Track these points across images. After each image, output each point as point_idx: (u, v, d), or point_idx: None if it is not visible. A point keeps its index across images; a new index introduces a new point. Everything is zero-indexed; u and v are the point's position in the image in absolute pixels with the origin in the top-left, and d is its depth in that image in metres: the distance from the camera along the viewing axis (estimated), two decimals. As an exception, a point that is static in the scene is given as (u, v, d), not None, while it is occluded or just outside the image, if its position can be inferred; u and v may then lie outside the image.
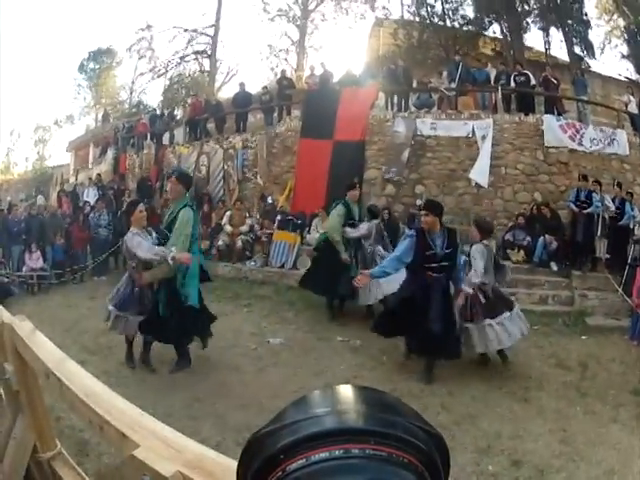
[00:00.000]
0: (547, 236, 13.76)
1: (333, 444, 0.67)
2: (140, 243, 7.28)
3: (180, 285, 7.76)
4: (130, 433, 1.82)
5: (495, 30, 30.99)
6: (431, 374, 8.02)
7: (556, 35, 29.99)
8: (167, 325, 7.62)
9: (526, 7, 29.76)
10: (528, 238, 14.17)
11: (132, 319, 7.81)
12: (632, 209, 13.92)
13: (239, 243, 15.51)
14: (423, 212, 8.22)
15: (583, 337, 10.76)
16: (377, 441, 0.68)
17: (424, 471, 0.69)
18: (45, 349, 2.75)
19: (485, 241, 8.67)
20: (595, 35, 30.76)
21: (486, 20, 30.79)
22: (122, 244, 8.05)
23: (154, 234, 7.87)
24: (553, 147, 16.07)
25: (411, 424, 0.73)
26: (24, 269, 14.93)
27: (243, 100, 22.12)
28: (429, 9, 31.94)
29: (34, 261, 14.99)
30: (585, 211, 13.72)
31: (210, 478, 1.53)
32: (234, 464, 1.61)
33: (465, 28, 31.39)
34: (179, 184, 7.97)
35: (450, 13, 31.64)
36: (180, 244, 7.52)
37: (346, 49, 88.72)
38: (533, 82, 17.87)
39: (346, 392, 0.80)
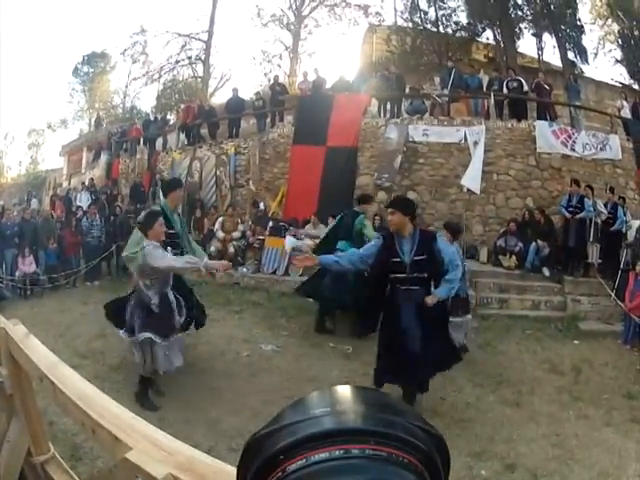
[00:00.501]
0: (539, 242, 13.79)
1: (333, 444, 0.67)
2: (165, 255, 6.89)
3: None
4: (123, 436, 1.83)
5: (488, 36, 31.04)
6: (414, 401, 6.83)
7: (549, 41, 30.05)
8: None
9: (519, 13, 29.80)
10: (520, 244, 14.18)
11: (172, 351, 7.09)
12: (624, 214, 13.96)
13: (231, 249, 15.46)
14: (389, 210, 6.74)
15: (576, 342, 10.80)
16: (377, 441, 0.68)
17: (424, 471, 0.70)
18: (39, 353, 2.76)
19: (455, 242, 8.87)
20: (589, 40, 30.99)
21: (479, 26, 30.79)
22: (142, 256, 6.90)
23: (169, 248, 7.51)
24: (545, 153, 16.15)
25: (411, 424, 0.73)
26: (17, 273, 14.83)
27: (236, 106, 22.10)
28: (422, 15, 32.01)
29: (27, 265, 14.90)
30: (577, 216, 13.71)
31: (201, 481, 1.52)
32: (225, 467, 1.62)
33: (458, 34, 31.40)
34: None
35: (443, 19, 31.68)
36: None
37: (339, 55, 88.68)
38: (526, 88, 17.89)
39: (345, 392, 0.80)
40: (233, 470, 1.58)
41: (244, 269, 14.85)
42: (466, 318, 9.40)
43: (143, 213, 7.48)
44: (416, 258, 6.49)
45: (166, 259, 6.78)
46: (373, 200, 10.89)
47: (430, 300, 6.54)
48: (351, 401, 0.77)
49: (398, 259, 6.53)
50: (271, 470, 0.69)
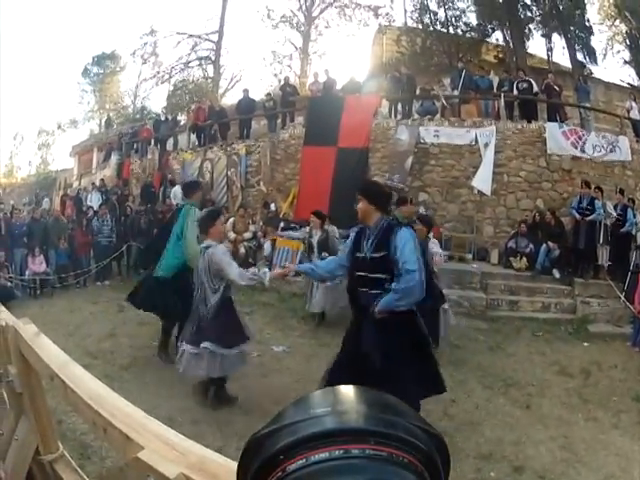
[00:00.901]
0: (549, 243, 13.77)
1: (333, 444, 0.67)
2: (231, 264, 6.63)
3: None
4: (134, 435, 1.84)
5: (498, 37, 30.98)
6: None
7: (558, 42, 29.94)
8: None
9: (528, 14, 29.70)
10: (531, 245, 14.16)
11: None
12: (634, 216, 13.90)
13: (242, 250, 15.48)
14: (358, 196, 5.65)
15: (585, 344, 10.79)
16: (377, 441, 0.68)
17: (424, 471, 0.69)
18: (49, 352, 2.76)
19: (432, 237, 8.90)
20: (597, 41, 30.77)
21: (489, 27, 30.75)
22: (206, 257, 6.74)
23: None
24: (556, 154, 16.09)
25: (411, 424, 0.73)
26: (27, 273, 14.88)
27: (247, 106, 22.14)
28: (432, 16, 31.89)
29: (37, 265, 14.94)
30: (587, 218, 13.68)
31: (213, 481, 1.54)
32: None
33: (468, 35, 31.36)
34: None
35: (453, 20, 31.58)
36: None
37: (349, 56, 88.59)
38: (536, 89, 17.83)
39: (346, 392, 0.81)
40: None
41: (255, 270, 14.87)
42: (443, 307, 9.18)
43: (204, 211, 7.49)
44: (374, 255, 5.46)
45: (231, 268, 6.57)
46: (410, 202, 10.40)
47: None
48: (351, 401, 0.78)
49: (361, 254, 5.56)
50: (271, 470, 0.69)
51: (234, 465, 1.58)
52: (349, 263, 5.69)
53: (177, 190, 19.31)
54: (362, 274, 5.47)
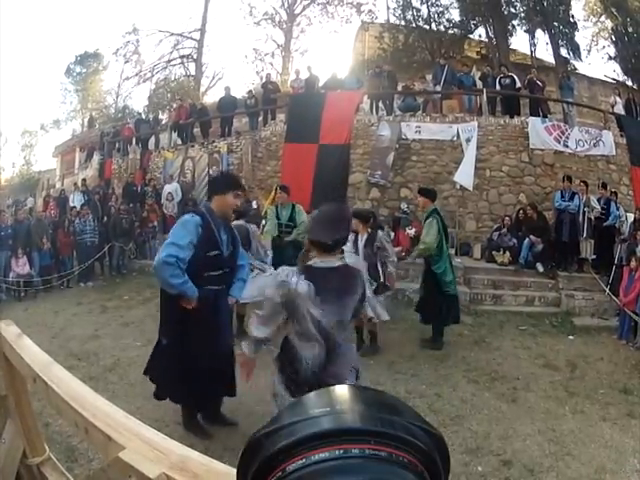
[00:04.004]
0: (532, 237, 13.80)
1: (332, 444, 0.66)
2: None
3: None
4: (115, 435, 1.83)
5: (481, 33, 31.29)
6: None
7: (542, 37, 30.22)
8: None
9: (512, 10, 29.88)
10: (514, 240, 14.21)
11: None
12: (617, 209, 14.04)
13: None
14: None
15: (570, 337, 10.81)
16: (377, 441, 0.67)
17: (424, 471, 0.69)
18: (31, 353, 2.74)
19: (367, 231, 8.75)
20: (582, 37, 31.03)
21: (472, 23, 30.96)
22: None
23: None
24: (538, 149, 16.22)
25: (411, 424, 0.72)
26: (11, 275, 14.79)
27: (228, 104, 22.09)
28: (415, 13, 32.07)
29: (21, 267, 14.85)
30: (568, 209, 13.80)
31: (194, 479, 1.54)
32: (218, 465, 1.59)
33: (451, 31, 31.57)
34: None
35: (436, 17, 31.77)
36: None
37: (332, 53, 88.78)
38: (518, 84, 17.94)
39: (344, 392, 0.80)
40: (226, 469, 1.57)
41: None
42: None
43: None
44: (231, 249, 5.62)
45: None
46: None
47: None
48: (351, 401, 0.76)
49: (217, 252, 5.45)
50: (271, 470, 0.68)
51: (215, 464, 1.55)
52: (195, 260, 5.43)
53: (167, 188, 19.31)
54: (215, 273, 5.53)
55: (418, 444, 0.70)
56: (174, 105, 27.84)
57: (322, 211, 4.04)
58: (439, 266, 9.28)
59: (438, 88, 18.61)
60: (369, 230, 8.84)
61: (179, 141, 22.84)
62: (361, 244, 8.76)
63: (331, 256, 4.01)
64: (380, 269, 8.87)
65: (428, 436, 0.73)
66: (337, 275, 3.99)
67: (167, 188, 19.53)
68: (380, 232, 9.06)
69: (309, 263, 4.05)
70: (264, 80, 24.30)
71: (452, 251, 14.60)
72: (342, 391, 0.80)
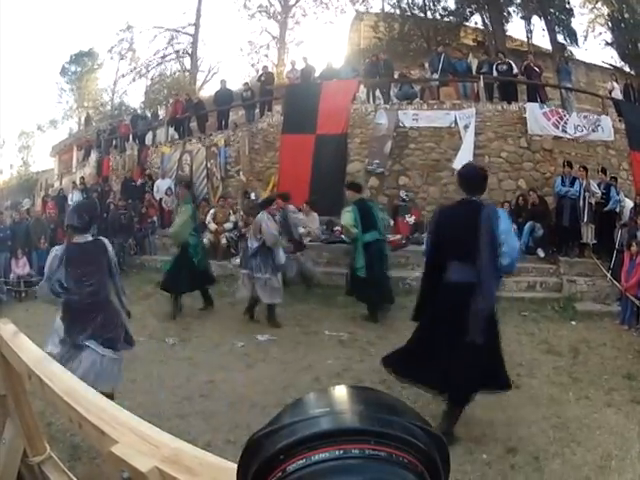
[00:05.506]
0: (533, 223, 13.74)
1: (333, 444, 0.66)
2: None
3: None
4: (108, 429, 1.82)
5: (477, 20, 31.26)
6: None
7: (538, 24, 30.19)
8: None
9: (508, -4, 29.84)
10: (514, 225, 14.14)
11: None
12: (617, 194, 14.03)
13: (223, 240, 15.43)
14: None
15: (573, 323, 10.80)
16: (377, 441, 0.67)
17: (424, 471, 0.69)
18: (27, 350, 2.74)
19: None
20: (578, 23, 30.92)
21: (467, 11, 30.93)
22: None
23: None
24: (537, 135, 16.18)
25: (410, 424, 0.73)
26: (11, 276, 14.84)
27: (224, 97, 22.15)
28: (410, 1, 32.00)
29: (21, 267, 14.90)
30: (568, 194, 13.77)
31: (187, 473, 1.50)
32: (212, 458, 1.54)
33: (446, 19, 31.56)
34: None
35: (431, 4, 31.71)
36: None
37: (327, 44, 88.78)
38: (515, 71, 17.90)
39: (344, 392, 0.80)
40: (218, 461, 1.49)
41: (237, 260, 14.73)
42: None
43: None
44: None
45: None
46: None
47: None
48: (351, 401, 0.77)
49: None
50: (271, 470, 0.68)
51: (208, 457, 1.51)
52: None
53: (159, 184, 19.31)
54: None
55: (418, 444, 0.70)
56: (171, 100, 27.80)
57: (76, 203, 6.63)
58: (354, 253, 10.74)
59: (435, 76, 18.54)
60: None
61: (176, 136, 22.87)
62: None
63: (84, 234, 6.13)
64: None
65: (428, 436, 0.73)
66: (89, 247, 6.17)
67: (162, 183, 19.55)
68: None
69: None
70: (260, 72, 24.24)
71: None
72: (342, 391, 0.80)
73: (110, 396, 5.43)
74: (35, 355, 2.66)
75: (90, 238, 6.16)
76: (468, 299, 5.50)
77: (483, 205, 5.76)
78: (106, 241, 6.38)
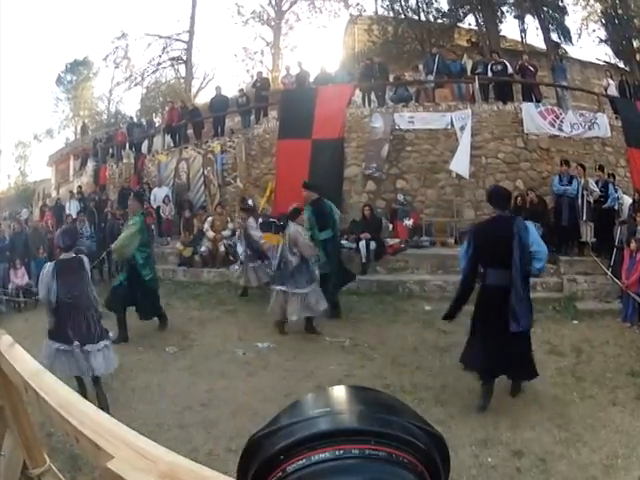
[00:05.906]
0: (532, 222, 13.71)
1: (333, 444, 0.67)
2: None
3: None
4: (104, 444, 1.75)
5: (470, 21, 31.23)
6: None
7: (532, 23, 30.19)
8: None
9: (501, -4, 29.86)
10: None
11: None
12: (615, 191, 13.98)
13: (222, 248, 15.38)
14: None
15: (575, 322, 10.80)
16: (377, 441, 0.67)
17: (424, 471, 0.69)
18: (23, 362, 2.71)
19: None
20: (572, 21, 30.95)
21: (460, 12, 30.92)
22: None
23: None
24: (533, 134, 16.19)
25: (410, 424, 0.73)
26: (10, 286, 14.79)
27: (220, 104, 22.06)
28: (403, 3, 31.98)
29: (19, 278, 14.85)
30: (567, 192, 13.73)
31: (183, 488, 1.51)
32: (208, 472, 1.51)
33: (440, 21, 31.56)
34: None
35: (424, 6, 31.67)
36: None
37: (321, 48, 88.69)
38: (510, 70, 17.87)
39: (344, 393, 0.81)
40: (216, 475, 1.48)
41: (236, 267, 14.68)
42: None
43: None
44: None
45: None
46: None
47: None
48: (350, 401, 0.78)
49: None
50: (271, 470, 0.69)
51: (206, 471, 1.47)
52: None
53: (157, 192, 19.28)
54: None
55: (418, 444, 0.69)
56: (166, 108, 27.80)
57: (62, 229, 8.68)
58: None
59: (430, 78, 18.52)
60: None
61: (172, 143, 22.79)
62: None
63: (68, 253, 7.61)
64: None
65: (428, 436, 0.73)
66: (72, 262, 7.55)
67: (159, 192, 19.52)
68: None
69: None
70: (255, 78, 24.25)
71: (451, 240, 14.56)
72: (341, 392, 0.81)
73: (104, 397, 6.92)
74: (31, 367, 2.64)
75: (73, 255, 7.70)
76: (504, 299, 6.56)
77: (514, 219, 6.87)
78: (85, 258, 7.89)
